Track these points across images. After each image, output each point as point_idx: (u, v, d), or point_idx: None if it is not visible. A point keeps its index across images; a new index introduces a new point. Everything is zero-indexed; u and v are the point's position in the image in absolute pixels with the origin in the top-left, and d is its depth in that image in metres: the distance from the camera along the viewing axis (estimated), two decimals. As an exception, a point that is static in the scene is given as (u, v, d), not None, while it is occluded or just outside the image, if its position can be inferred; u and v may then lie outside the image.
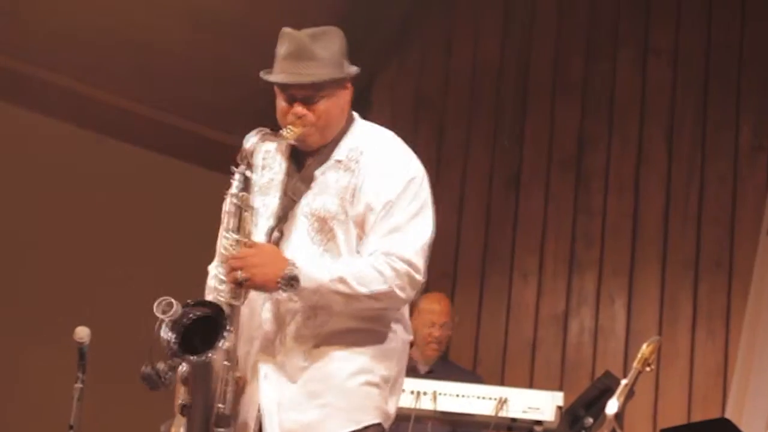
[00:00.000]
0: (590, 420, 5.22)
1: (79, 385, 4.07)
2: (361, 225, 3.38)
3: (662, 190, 6.81)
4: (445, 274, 7.00)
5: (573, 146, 7.01)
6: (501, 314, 6.96)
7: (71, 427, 4.03)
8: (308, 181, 3.42)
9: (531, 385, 6.65)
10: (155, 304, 3.28)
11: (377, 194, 3.37)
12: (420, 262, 3.35)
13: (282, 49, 3.44)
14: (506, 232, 7.03)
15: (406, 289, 3.33)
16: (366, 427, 3.36)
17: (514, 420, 5.38)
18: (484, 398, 5.37)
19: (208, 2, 6.71)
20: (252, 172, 3.39)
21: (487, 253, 7.06)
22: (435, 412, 5.41)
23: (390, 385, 3.43)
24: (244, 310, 3.38)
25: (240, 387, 3.37)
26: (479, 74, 7.26)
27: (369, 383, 3.37)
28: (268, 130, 3.42)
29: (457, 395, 5.42)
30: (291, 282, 3.26)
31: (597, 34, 7.08)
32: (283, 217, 3.41)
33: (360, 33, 7.65)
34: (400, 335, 3.47)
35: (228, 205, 3.38)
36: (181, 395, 3.35)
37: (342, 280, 3.28)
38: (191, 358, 3.24)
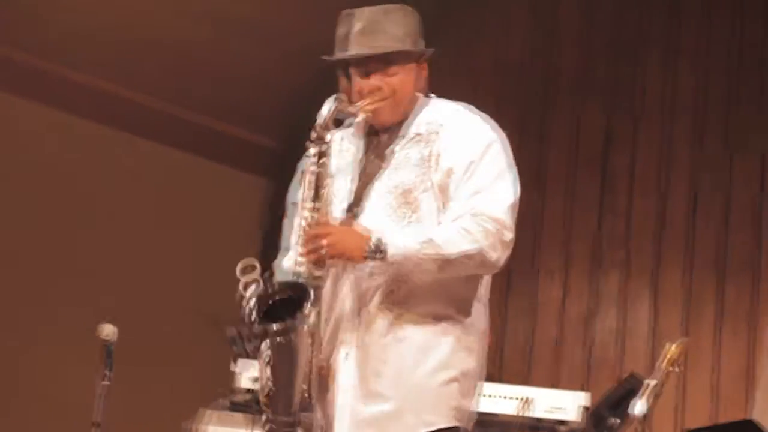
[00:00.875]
0: (615, 421, 5.21)
1: (105, 382, 4.09)
2: (444, 191, 3.31)
3: (688, 190, 6.78)
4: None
5: (598, 146, 6.99)
6: (526, 314, 6.95)
7: (97, 424, 4.05)
8: (386, 157, 3.38)
9: (555, 385, 6.63)
10: (238, 266, 3.21)
11: (458, 158, 3.30)
12: (509, 221, 3.26)
13: (352, 27, 3.38)
14: (531, 231, 7.01)
15: (497, 248, 3.23)
16: (439, 430, 3.27)
17: (538, 420, 5.36)
18: (508, 398, 5.36)
19: (232, 2, 6.72)
20: (331, 137, 3.29)
21: (513, 252, 7.02)
22: (458, 411, 5.40)
23: (469, 381, 3.34)
24: (326, 292, 3.30)
25: (322, 371, 3.30)
26: (505, 73, 7.25)
27: (448, 380, 3.28)
28: (344, 97, 3.34)
29: (482, 395, 5.40)
30: (379, 249, 3.19)
31: (623, 33, 7.06)
32: (361, 196, 3.35)
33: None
34: (478, 326, 3.36)
35: (306, 174, 3.28)
36: (265, 380, 3.24)
37: (431, 243, 3.20)
38: (273, 326, 3.15)
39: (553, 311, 6.91)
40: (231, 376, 5.39)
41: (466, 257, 3.21)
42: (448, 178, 3.30)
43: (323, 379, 3.31)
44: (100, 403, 4.09)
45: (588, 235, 6.92)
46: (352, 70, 3.40)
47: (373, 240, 3.19)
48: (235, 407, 5.34)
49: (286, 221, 3.48)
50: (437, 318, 3.29)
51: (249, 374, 5.30)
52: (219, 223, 7.06)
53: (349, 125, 3.49)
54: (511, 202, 3.30)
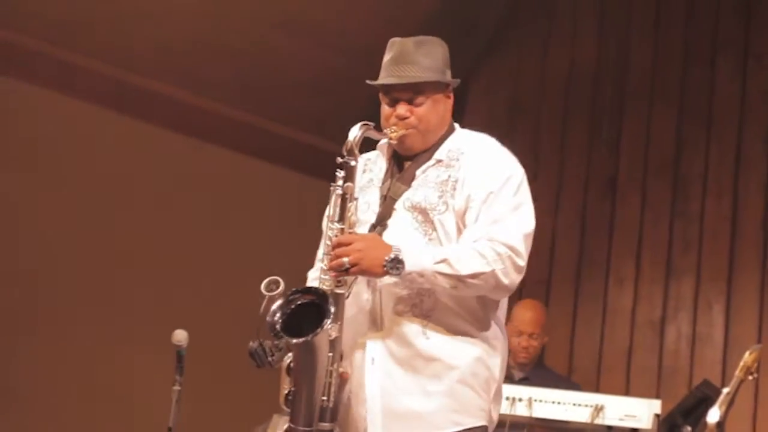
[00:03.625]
0: (688, 429, 5.16)
1: (177, 387, 4.12)
2: (461, 217, 3.44)
3: (761, 194, 6.71)
4: (539, 281, 6.96)
5: (670, 151, 6.93)
6: (596, 320, 6.91)
7: (170, 430, 4.07)
8: (409, 180, 3.51)
9: (627, 392, 6.58)
10: (263, 283, 3.33)
11: (479, 186, 3.43)
12: (522, 248, 3.40)
13: (388, 55, 3.55)
14: (602, 237, 6.97)
15: (509, 273, 3.37)
16: (469, 429, 3.40)
17: (610, 428, 5.33)
18: (580, 405, 5.33)
19: (302, 9, 6.75)
20: (356, 162, 3.44)
21: (583, 258, 7.01)
22: (530, 418, 5.38)
23: (494, 391, 3.47)
24: (350, 297, 3.43)
25: (343, 381, 3.40)
26: (575, 78, 7.22)
27: (474, 385, 3.41)
28: (372, 124, 3.49)
29: (553, 402, 5.38)
30: (396, 265, 3.31)
31: (695, 38, 7.00)
32: (384, 215, 3.48)
33: (454, 37, 7.63)
34: (501, 342, 3.50)
35: (332, 195, 3.44)
36: (286, 386, 3.39)
37: (445, 261, 3.33)
38: (294, 340, 3.26)
39: (623, 318, 6.87)
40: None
41: (478, 278, 3.35)
42: (467, 205, 3.43)
43: (343, 385, 3.42)
44: (173, 407, 4.12)
45: (660, 240, 6.87)
46: (382, 97, 3.56)
47: (392, 254, 3.32)
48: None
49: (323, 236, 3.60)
50: (461, 331, 3.42)
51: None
52: (288, 229, 7.09)
53: (377, 148, 3.63)
54: (526, 231, 3.43)
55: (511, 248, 3.37)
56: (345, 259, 3.33)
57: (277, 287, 3.30)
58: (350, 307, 3.43)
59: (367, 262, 3.33)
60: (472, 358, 3.41)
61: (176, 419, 4.14)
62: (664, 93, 7.00)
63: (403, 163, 3.56)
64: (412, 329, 3.40)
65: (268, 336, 3.31)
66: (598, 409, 5.31)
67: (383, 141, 3.55)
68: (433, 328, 3.41)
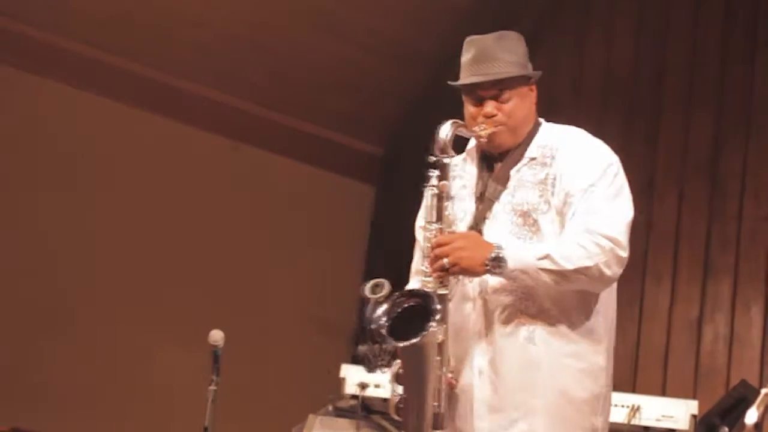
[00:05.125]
0: (726, 429, 5.13)
1: (213, 387, 4.13)
2: (562, 213, 3.40)
3: (801, 193, 6.68)
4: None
5: (708, 149, 6.89)
6: (633, 320, 6.88)
7: (206, 429, 4.09)
8: (504, 180, 3.46)
9: (663, 392, 6.55)
10: (368, 286, 3.29)
11: (576, 180, 3.39)
12: (623, 239, 3.35)
13: (468, 55, 3.49)
14: (640, 236, 6.93)
15: (611, 266, 3.32)
16: None
17: (647, 428, 5.30)
18: (616, 405, 5.30)
19: (340, 10, 6.75)
20: (449, 160, 3.39)
21: (620, 258, 6.97)
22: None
23: (600, 402, 3.40)
24: (453, 309, 3.39)
25: (451, 388, 3.37)
26: (612, 77, 7.19)
27: (580, 400, 3.36)
28: (461, 122, 3.45)
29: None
30: (499, 263, 3.27)
31: (733, 36, 6.95)
32: (481, 218, 3.44)
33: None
34: (606, 344, 3.44)
35: (427, 197, 3.40)
36: (396, 394, 3.33)
37: (548, 257, 3.29)
38: (401, 343, 3.21)
39: (660, 317, 6.83)
40: (339, 382, 5.42)
41: (582, 272, 3.30)
42: (567, 200, 3.38)
43: (452, 393, 3.37)
44: (209, 407, 4.13)
45: (697, 240, 6.83)
46: (465, 98, 3.51)
47: (494, 252, 3.27)
48: (340, 413, 5.36)
49: (416, 247, 3.56)
50: (568, 336, 3.37)
51: (355, 380, 5.33)
52: (326, 230, 7.10)
53: (464, 151, 3.58)
54: (626, 221, 3.38)
55: (613, 240, 3.32)
56: (445, 260, 3.28)
57: (382, 290, 3.25)
58: (455, 317, 3.39)
59: (468, 261, 3.28)
60: (575, 370, 3.35)
61: (212, 419, 4.15)
62: (701, 92, 6.95)
63: (494, 164, 3.51)
64: (519, 336, 3.35)
65: (374, 340, 3.25)
66: (635, 410, 5.29)
67: (471, 145, 3.51)
68: (540, 334, 3.35)
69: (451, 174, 3.48)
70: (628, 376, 6.74)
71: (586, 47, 7.30)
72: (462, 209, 3.46)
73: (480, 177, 3.50)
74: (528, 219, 3.39)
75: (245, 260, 6.88)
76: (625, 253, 3.34)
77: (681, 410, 5.29)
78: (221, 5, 6.49)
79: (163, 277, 6.62)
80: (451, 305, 3.37)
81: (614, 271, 3.32)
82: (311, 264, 6.96)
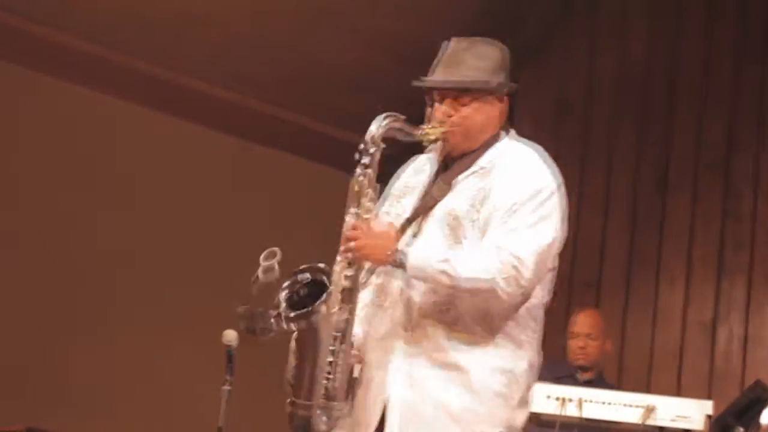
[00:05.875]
0: (741, 430, 5.12)
1: (227, 387, 4.13)
2: (486, 226, 3.39)
3: (815, 193, 6.67)
4: (589, 284, 6.93)
5: (721, 149, 6.88)
6: (647, 321, 6.87)
7: (220, 429, 4.09)
8: (449, 186, 3.46)
9: (678, 393, 6.54)
10: (262, 254, 3.45)
11: (503, 198, 3.38)
12: (529, 262, 3.30)
13: (439, 56, 3.50)
14: (652, 236, 6.93)
15: (510, 285, 3.30)
16: None
17: (661, 429, 5.30)
18: (631, 406, 5.30)
19: (353, 10, 6.75)
20: (376, 150, 3.44)
21: (633, 258, 6.97)
22: (581, 419, 5.36)
23: (517, 399, 3.42)
24: (378, 301, 3.46)
25: (358, 361, 3.42)
26: (625, 76, 7.17)
27: (493, 395, 3.38)
28: (401, 116, 3.45)
29: (604, 402, 5.35)
30: (400, 257, 3.33)
31: (747, 36, 6.94)
32: (420, 213, 3.46)
33: (501, 37, 7.60)
34: (528, 353, 3.44)
35: (352, 183, 3.45)
36: (290, 365, 3.42)
37: (447, 261, 3.31)
38: (291, 313, 3.32)
39: (674, 318, 6.83)
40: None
41: (477, 284, 3.30)
42: (492, 213, 3.37)
43: (357, 364, 3.43)
44: (222, 407, 4.13)
45: (711, 240, 6.82)
46: (426, 98, 3.51)
47: (397, 248, 3.35)
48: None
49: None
50: (483, 341, 3.38)
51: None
52: (339, 230, 7.09)
53: (431, 149, 3.59)
54: (540, 248, 3.33)
55: (518, 259, 3.28)
56: (352, 243, 3.36)
57: (274, 257, 3.40)
58: (380, 307, 3.44)
59: (372, 250, 3.35)
60: (491, 367, 3.36)
61: (226, 419, 4.15)
62: (715, 92, 6.94)
63: (453, 164, 3.50)
64: (436, 336, 3.37)
65: (260, 305, 3.38)
66: (650, 410, 5.28)
67: (429, 145, 3.51)
68: (456, 336, 3.36)
69: (419, 167, 3.55)
70: (642, 376, 6.74)
71: (598, 47, 7.29)
72: (407, 203, 3.50)
73: (435, 175, 3.52)
74: (458, 225, 3.39)
75: (258, 260, 6.88)
76: (528, 275, 3.29)
77: (696, 410, 5.29)
78: (233, 5, 6.50)
79: (178, 277, 6.63)
80: (372, 297, 3.45)
81: (509, 292, 3.29)
82: (327, 263, 6.95)
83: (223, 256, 6.77)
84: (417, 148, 3.55)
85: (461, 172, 3.46)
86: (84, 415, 6.21)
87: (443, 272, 3.30)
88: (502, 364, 3.38)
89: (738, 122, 6.88)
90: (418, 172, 3.56)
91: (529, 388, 3.46)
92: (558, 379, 5.55)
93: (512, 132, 3.54)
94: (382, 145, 3.45)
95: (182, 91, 6.72)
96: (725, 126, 6.90)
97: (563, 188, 3.44)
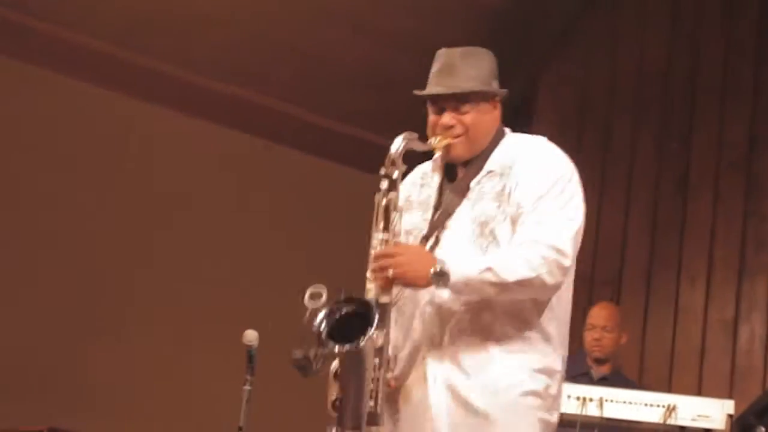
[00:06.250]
0: (762, 429, 5.10)
1: (247, 387, 4.14)
2: (515, 223, 3.45)
3: (836, 192, 6.64)
4: (611, 280, 6.92)
5: (743, 148, 6.85)
6: (668, 320, 6.85)
7: (240, 429, 4.10)
8: (463, 191, 3.52)
9: (699, 392, 6.52)
10: (306, 294, 3.36)
11: (527, 192, 3.44)
12: (568, 248, 3.39)
13: (435, 66, 3.57)
14: (674, 236, 6.91)
15: (554, 274, 3.37)
16: None
17: (682, 428, 5.28)
18: (651, 405, 5.28)
19: (368, 9, 6.76)
20: (399, 172, 3.46)
21: (654, 257, 6.95)
22: (601, 419, 5.35)
23: (552, 399, 3.47)
24: (407, 312, 3.48)
25: (392, 388, 3.44)
26: (646, 75, 7.15)
27: (532, 394, 3.42)
28: (415, 135, 3.51)
29: (624, 402, 5.34)
30: (441, 277, 3.32)
31: (767, 34, 6.91)
32: (438, 228, 3.49)
33: (522, 35, 7.60)
34: (559, 350, 3.50)
35: (377, 205, 3.46)
36: (334, 392, 3.42)
37: (489, 270, 3.34)
38: (338, 346, 3.29)
39: (695, 317, 6.80)
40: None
41: (524, 283, 3.35)
42: (518, 210, 3.43)
43: (393, 395, 3.46)
44: (243, 407, 4.15)
45: (732, 239, 6.79)
46: (429, 108, 3.57)
47: (437, 266, 3.33)
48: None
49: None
50: (519, 345, 3.43)
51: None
52: (359, 229, 7.09)
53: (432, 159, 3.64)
54: (572, 231, 3.42)
55: (558, 250, 3.37)
56: (390, 272, 3.34)
57: (320, 298, 3.33)
58: (409, 319, 3.47)
59: (411, 274, 3.35)
60: (530, 371, 3.41)
61: (246, 419, 4.16)
62: (736, 89, 6.91)
63: (455, 172, 3.56)
64: (471, 347, 3.41)
65: (312, 345, 3.33)
66: (671, 410, 5.27)
67: (436, 155, 3.56)
68: (493, 344, 3.41)
69: (420, 180, 3.60)
70: (663, 376, 6.72)
71: (619, 46, 7.27)
72: (423, 218, 3.53)
73: (441, 187, 3.57)
74: (485, 229, 3.44)
75: (278, 259, 6.89)
76: (568, 262, 3.38)
77: (717, 410, 5.27)
78: (249, 4, 6.51)
79: (199, 277, 6.65)
80: (401, 308, 3.46)
81: (557, 279, 3.37)
82: (346, 263, 6.95)
83: (243, 255, 6.78)
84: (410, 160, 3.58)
85: (473, 176, 3.52)
86: (105, 415, 6.23)
87: (488, 282, 3.34)
88: (537, 364, 3.42)
89: (759, 121, 6.85)
90: (418, 185, 3.61)
91: (561, 382, 3.51)
92: (573, 378, 5.54)
93: (508, 130, 3.62)
94: (404, 167, 3.49)
95: (191, 88, 6.74)
96: (746, 125, 6.87)
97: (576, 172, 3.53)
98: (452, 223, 3.49)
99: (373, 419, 3.35)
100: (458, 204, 3.49)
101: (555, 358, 3.47)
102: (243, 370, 4.23)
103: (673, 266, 6.88)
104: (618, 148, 7.12)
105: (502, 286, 3.34)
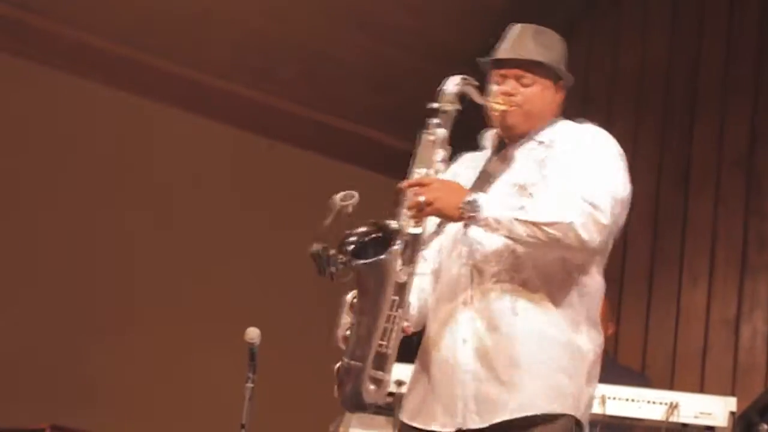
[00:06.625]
0: (765, 426, 5.10)
1: (250, 384, 4.14)
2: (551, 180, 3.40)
3: (839, 189, 6.64)
4: (610, 280, 6.89)
5: (744, 145, 6.85)
6: (670, 318, 6.85)
7: (243, 426, 4.10)
8: (508, 159, 3.47)
9: (701, 390, 6.52)
10: (338, 195, 3.31)
11: (569, 151, 3.40)
12: (606, 206, 3.29)
13: (504, 36, 3.52)
14: (675, 234, 6.91)
15: (589, 228, 3.26)
16: (556, 416, 3.34)
17: (685, 425, 5.26)
18: (654, 403, 5.27)
19: (375, 8, 6.76)
20: (452, 108, 3.39)
21: (656, 255, 6.95)
22: (603, 416, 5.34)
23: (585, 374, 3.41)
24: (443, 272, 3.42)
25: (405, 334, 3.35)
26: (647, 72, 7.16)
27: (560, 371, 3.35)
28: (471, 79, 3.45)
29: (627, 399, 5.33)
30: (473, 207, 3.25)
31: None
32: (477, 187, 3.42)
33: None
34: (586, 332, 3.43)
35: (422, 140, 3.40)
36: (345, 323, 3.32)
37: (522, 208, 3.26)
38: (358, 261, 3.21)
39: (697, 315, 6.80)
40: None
41: (557, 228, 3.24)
42: (557, 167, 3.38)
43: (426, 347, 3.39)
44: (246, 405, 4.15)
45: (734, 238, 6.79)
46: (490, 76, 3.51)
47: (470, 197, 3.26)
48: (377, 410, 5.35)
49: None
50: (550, 310, 3.35)
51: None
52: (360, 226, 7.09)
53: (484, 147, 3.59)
54: (613, 192, 3.34)
55: (593, 204, 3.26)
56: (421, 198, 3.27)
57: (352, 199, 3.27)
58: (443, 279, 3.41)
59: (443, 202, 3.26)
60: (560, 342, 3.35)
61: (249, 416, 4.16)
62: (737, 86, 6.91)
63: (506, 146, 3.52)
64: (502, 307, 3.35)
65: (333, 246, 3.26)
66: (673, 407, 5.26)
67: (489, 132, 3.51)
68: (523, 305, 3.34)
69: (468, 164, 3.52)
70: (666, 373, 6.72)
71: (620, 43, 7.28)
72: (468, 177, 3.47)
73: (490, 157, 3.52)
74: (524, 192, 3.37)
75: (281, 257, 6.89)
76: (606, 220, 3.26)
77: (719, 407, 5.26)
78: (256, 3, 6.51)
79: (201, 275, 6.66)
80: (441, 266, 3.41)
81: (592, 236, 3.24)
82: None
83: (245, 253, 6.79)
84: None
85: (518, 148, 3.47)
86: (108, 413, 6.24)
87: (520, 220, 3.24)
88: (565, 338, 3.35)
89: (761, 120, 6.85)
90: (463, 166, 3.54)
91: (595, 363, 3.43)
92: None
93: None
94: (458, 105, 3.42)
95: (193, 85, 6.74)
96: (748, 123, 6.87)
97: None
98: (491, 187, 3.43)
99: (381, 362, 3.26)
100: (500, 170, 3.45)
101: (582, 339, 3.40)
102: (245, 367, 4.22)
103: (674, 265, 6.88)
104: (619, 145, 7.11)
105: (535, 226, 3.23)
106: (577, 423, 3.39)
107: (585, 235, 3.26)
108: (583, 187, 3.29)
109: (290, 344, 6.25)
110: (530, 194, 3.35)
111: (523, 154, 3.45)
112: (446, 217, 3.33)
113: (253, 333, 4.23)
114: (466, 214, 3.26)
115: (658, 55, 7.13)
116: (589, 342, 3.42)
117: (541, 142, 3.46)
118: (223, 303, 6.61)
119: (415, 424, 3.46)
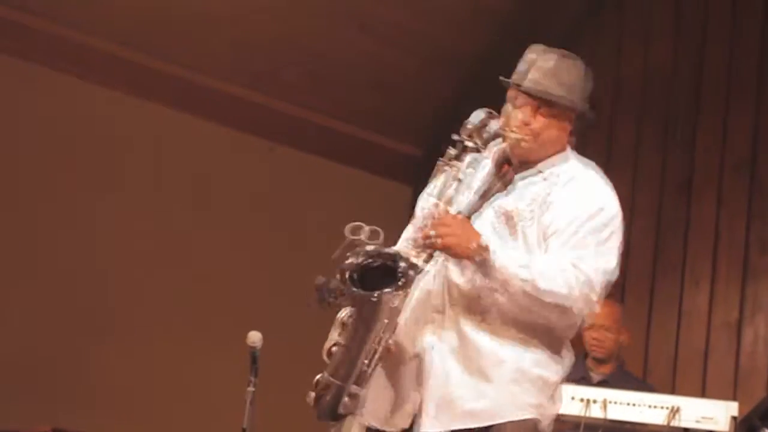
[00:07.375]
0: (766, 431, 5.10)
1: (251, 388, 4.14)
2: (544, 235, 3.42)
3: (841, 193, 6.64)
4: (613, 285, 6.90)
5: (747, 149, 6.85)
6: (672, 322, 6.84)
7: (244, 430, 4.10)
8: (506, 183, 3.50)
9: (703, 394, 6.51)
10: (348, 227, 3.35)
11: (568, 209, 3.41)
12: (600, 287, 3.40)
13: (531, 55, 3.51)
14: (677, 237, 6.90)
15: (580, 303, 3.37)
16: (520, 422, 3.39)
17: (686, 430, 5.28)
18: (655, 407, 5.28)
19: (378, 11, 6.76)
20: (471, 144, 3.42)
21: (658, 259, 6.95)
22: (605, 420, 5.34)
23: (549, 393, 3.45)
24: (419, 291, 3.44)
25: (389, 355, 3.40)
26: (650, 76, 7.15)
27: (524, 383, 3.40)
28: (495, 114, 3.48)
29: (628, 404, 5.34)
30: (482, 252, 3.29)
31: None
32: (475, 211, 3.46)
33: (526, 37, 7.60)
34: (566, 362, 3.50)
35: (438, 169, 3.43)
36: (334, 339, 3.40)
37: (527, 269, 3.31)
38: (358, 291, 3.26)
39: (699, 319, 6.80)
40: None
41: (554, 296, 3.32)
42: (554, 228, 3.40)
43: (391, 357, 3.42)
44: (247, 409, 4.14)
45: (736, 241, 6.78)
46: (509, 95, 3.51)
47: (481, 240, 3.30)
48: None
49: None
50: (511, 336, 3.40)
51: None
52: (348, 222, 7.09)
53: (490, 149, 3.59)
54: (607, 273, 3.42)
55: (590, 283, 3.36)
56: (432, 232, 3.31)
57: (360, 231, 3.31)
58: (419, 292, 3.44)
59: (454, 240, 3.30)
60: (523, 359, 3.39)
61: (250, 420, 4.16)
62: (740, 91, 6.91)
63: (511, 168, 3.54)
64: (467, 324, 3.39)
65: (338, 279, 3.31)
66: (674, 411, 5.26)
67: (503, 144, 3.52)
68: (486, 327, 3.39)
69: (473, 164, 3.53)
70: (667, 377, 6.71)
71: (624, 48, 7.27)
72: (464, 197, 3.49)
73: (492, 175, 3.53)
74: (510, 221, 3.42)
75: (282, 261, 6.90)
76: (595, 298, 3.39)
77: (721, 412, 5.26)
78: (257, 5, 6.51)
79: (203, 278, 6.65)
80: (418, 289, 3.43)
81: (580, 311, 3.38)
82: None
83: (246, 256, 6.79)
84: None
85: (522, 174, 3.50)
86: (110, 415, 6.23)
87: (521, 278, 3.30)
88: (529, 357, 3.39)
89: (764, 123, 6.84)
90: (467, 165, 3.53)
91: (558, 383, 3.47)
92: (573, 382, 5.53)
93: (573, 152, 3.57)
94: (478, 142, 3.46)
95: (194, 87, 6.74)
96: (751, 127, 6.87)
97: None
98: (486, 211, 3.46)
99: (361, 379, 3.33)
100: (497, 190, 3.48)
101: (548, 359, 3.45)
102: (247, 371, 4.22)
103: (676, 268, 6.87)
104: (621, 150, 7.12)
105: (533, 288, 3.30)
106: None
107: (576, 308, 3.38)
108: (585, 264, 3.36)
109: (292, 348, 6.24)
110: (515, 224, 3.41)
111: (524, 183, 3.49)
112: (455, 256, 3.37)
113: (254, 336, 4.22)
114: (476, 259, 3.31)
115: (661, 61, 7.13)
116: (554, 363, 3.47)
117: (542, 175, 3.48)
118: (224, 306, 6.61)
119: (382, 427, 3.52)
